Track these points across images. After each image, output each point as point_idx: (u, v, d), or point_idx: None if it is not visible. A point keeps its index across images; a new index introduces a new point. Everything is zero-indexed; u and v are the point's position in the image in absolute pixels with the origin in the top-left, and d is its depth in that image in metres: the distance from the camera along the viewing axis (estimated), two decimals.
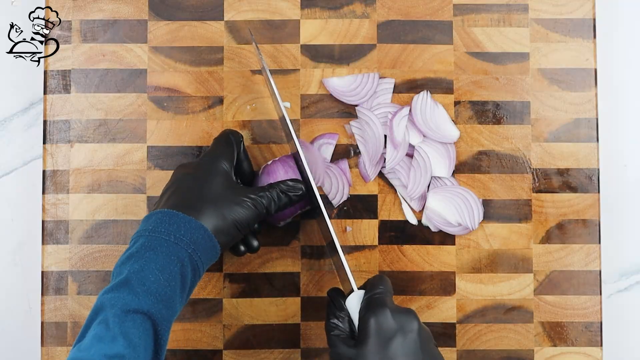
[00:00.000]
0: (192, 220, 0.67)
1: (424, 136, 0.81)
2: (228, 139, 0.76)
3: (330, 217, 0.82)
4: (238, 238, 0.71)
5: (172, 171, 0.81)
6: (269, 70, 0.77)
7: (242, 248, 0.77)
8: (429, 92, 0.82)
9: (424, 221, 0.81)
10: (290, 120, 0.83)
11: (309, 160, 0.75)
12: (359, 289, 0.69)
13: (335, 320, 0.69)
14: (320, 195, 0.79)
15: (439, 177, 0.81)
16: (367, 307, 0.66)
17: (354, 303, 0.68)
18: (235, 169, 0.77)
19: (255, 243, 0.77)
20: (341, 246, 0.81)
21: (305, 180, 0.74)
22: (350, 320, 0.69)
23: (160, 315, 0.63)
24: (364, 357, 0.64)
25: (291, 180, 0.74)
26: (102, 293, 0.64)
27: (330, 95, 0.82)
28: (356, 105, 0.82)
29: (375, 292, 0.67)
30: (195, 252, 0.67)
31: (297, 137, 0.76)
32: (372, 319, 0.64)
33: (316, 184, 0.74)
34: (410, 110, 0.81)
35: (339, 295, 0.71)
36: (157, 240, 0.66)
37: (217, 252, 0.69)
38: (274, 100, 0.79)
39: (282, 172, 0.76)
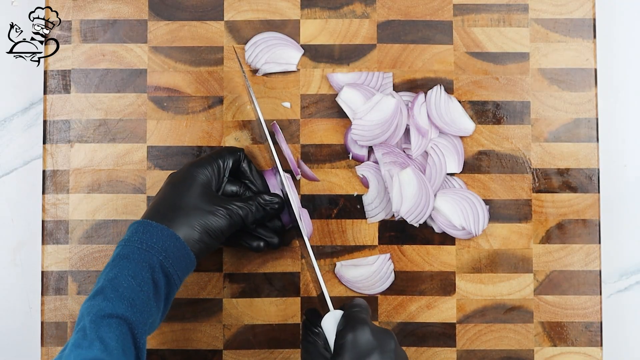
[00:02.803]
0: (164, 228, 0.70)
1: (439, 131, 0.81)
2: (220, 152, 0.77)
3: (330, 217, 0.82)
4: (214, 246, 0.73)
5: (172, 171, 0.81)
6: (254, 96, 0.78)
7: (260, 244, 0.77)
8: (442, 86, 0.82)
9: (428, 221, 0.81)
10: (290, 120, 0.83)
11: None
12: (336, 310, 0.69)
13: (311, 339, 0.70)
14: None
15: (448, 179, 0.81)
16: (347, 323, 0.66)
17: (330, 323, 0.68)
18: (244, 183, 0.78)
19: (275, 240, 0.78)
20: (341, 245, 0.81)
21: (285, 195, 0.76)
22: (326, 341, 0.69)
23: (135, 319, 0.65)
24: None
25: (269, 194, 0.75)
26: (83, 304, 0.66)
27: (331, 95, 0.82)
28: None
29: (355, 309, 0.68)
30: (167, 259, 0.69)
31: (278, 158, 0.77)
32: (350, 334, 0.65)
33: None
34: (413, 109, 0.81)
35: (315, 316, 0.71)
36: (130, 248, 0.69)
37: (192, 260, 0.71)
38: (257, 119, 0.80)
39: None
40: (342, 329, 0.66)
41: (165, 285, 0.69)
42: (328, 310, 0.69)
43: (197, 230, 0.71)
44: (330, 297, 0.72)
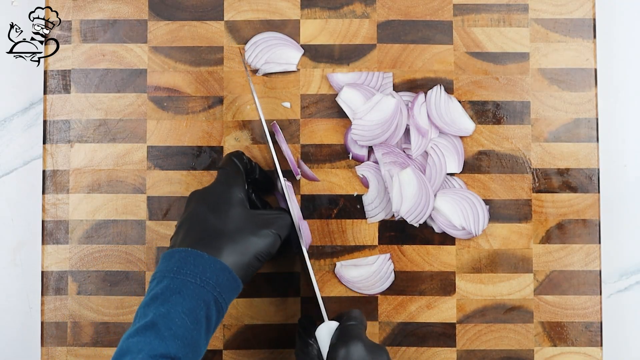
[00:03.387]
0: (217, 261, 0.66)
1: (439, 131, 0.81)
2: (234, 165, 0.74)
3: (330, 217, 0.82)
4: (259, 268, 0.70)
5: (172, 171, 0.81)
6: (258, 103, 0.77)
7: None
8: (442, 86, 0.82)
9: (428, 221, 0.81)
10: (290, 120, 0.82)
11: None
12: (331, 320, 0.69)
13: (305, 349, 0.68)
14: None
15: (448, 179, 0.81)
16: (341, 337, 0.65)
17: (324, 334, 0.67)
18: (254, 186, 0.77)
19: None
20: (341, 247, 0.81)
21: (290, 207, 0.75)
22: (319, 351, 0.68)
23: (187, 359, 0.62)
24: None
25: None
26: (126, 337, 0.62)
27: (331, 95, 0.82)
28: None
29: (350, 322, 0.67)
30: (221, 294, 0.66)
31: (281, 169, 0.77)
32: (343, 349, 0.64)
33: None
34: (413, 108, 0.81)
35: (309, 324, 0.70)
36: (182, 282, 0.64)
37: (241, 288, 0.68)
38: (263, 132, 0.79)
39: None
40: (335, 343, 0.65)
41: (216, 319, 0.66)
42: (323, 320, 0.69)
43: (246, 256, 0.67)
44: (330, 297, 0.72)
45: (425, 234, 0.82)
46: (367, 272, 0.81)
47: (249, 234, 0.68)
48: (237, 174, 0.73)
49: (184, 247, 0.67)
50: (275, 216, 0.71)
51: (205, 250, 0.66)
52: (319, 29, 0.83)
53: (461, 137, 0.82)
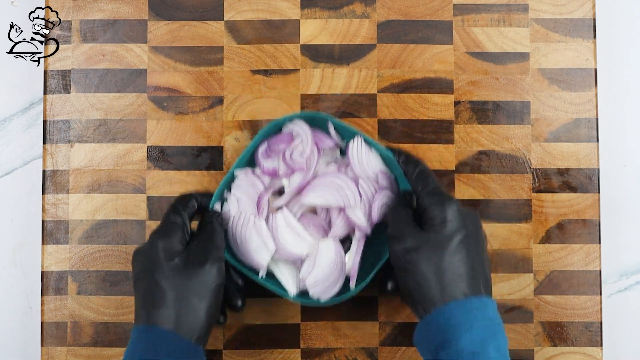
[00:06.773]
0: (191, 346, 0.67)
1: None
2: (171, 215, 0.72)
3: None
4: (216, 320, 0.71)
5: (172, 171, 0.81)
6: None
7: (220, 319, 0.75)
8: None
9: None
10: None
11: None
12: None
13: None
14: None
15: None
16: (439, 195, 0.69)
17: None
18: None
19: (239, 302, 0.74)
20: None
21: None
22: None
23: None
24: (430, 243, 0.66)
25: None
26: None
27: (331, 95, 0.82)
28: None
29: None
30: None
31: None
32: (448, 209, 0.67)
33: None
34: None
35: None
36: None
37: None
38: None
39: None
40: (437, 202, 0.69)
41: None
42: None
43: (204, 323, 0.69)
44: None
45: None
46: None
47: (198, 299, 0.68)
48: (173, 225, 0.71)
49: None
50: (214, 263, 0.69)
51: (179, 332, 0.67)
52: (319, 29, 0.83)
53: (460, 138, 0.82)
